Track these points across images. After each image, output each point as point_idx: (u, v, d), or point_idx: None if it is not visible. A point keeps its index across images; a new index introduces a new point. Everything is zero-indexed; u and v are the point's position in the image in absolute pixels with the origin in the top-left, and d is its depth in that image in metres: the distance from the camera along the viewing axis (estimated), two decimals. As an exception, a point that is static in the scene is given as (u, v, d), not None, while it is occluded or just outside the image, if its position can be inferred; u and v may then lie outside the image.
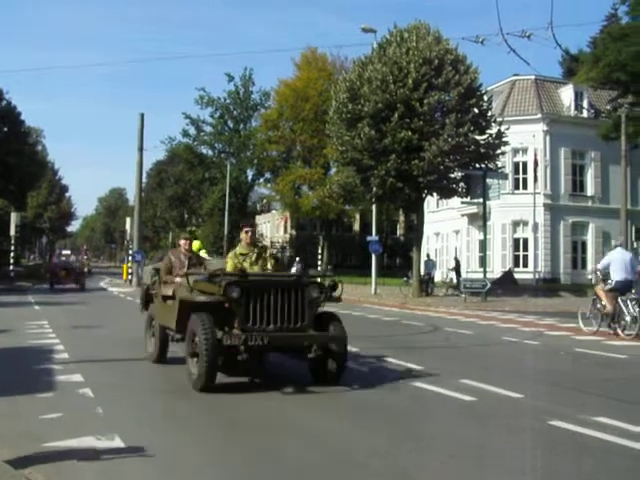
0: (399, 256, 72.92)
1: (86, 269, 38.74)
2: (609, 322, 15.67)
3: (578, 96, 44.27)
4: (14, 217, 40.68)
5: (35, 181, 76.34)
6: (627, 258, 16.12)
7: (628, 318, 15.20)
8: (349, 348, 11.81)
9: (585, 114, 44.40)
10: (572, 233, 43.02)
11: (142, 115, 42.46)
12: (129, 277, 43.03)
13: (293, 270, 43.99)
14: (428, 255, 36.48)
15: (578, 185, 43.66)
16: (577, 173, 43.71)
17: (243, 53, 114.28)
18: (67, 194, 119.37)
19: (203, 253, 24.00)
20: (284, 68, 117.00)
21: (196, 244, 24.72)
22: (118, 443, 6.01)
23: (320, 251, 42.73)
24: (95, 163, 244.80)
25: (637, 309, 14.98)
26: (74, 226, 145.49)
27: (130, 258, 43.64)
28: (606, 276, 16.29)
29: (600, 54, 37.52)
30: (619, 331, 15.37)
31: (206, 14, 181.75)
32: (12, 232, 40.25)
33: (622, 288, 15.58)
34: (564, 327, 17.95)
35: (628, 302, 15.22)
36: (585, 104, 44.46)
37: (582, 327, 16.53)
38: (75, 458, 5.56)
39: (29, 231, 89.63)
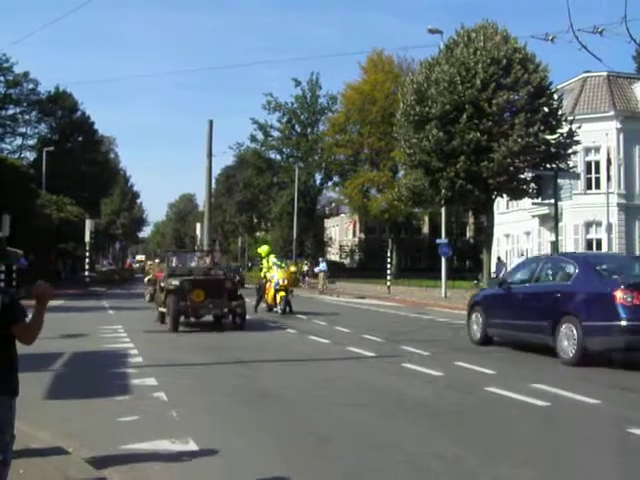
0: (469, 258, 72.10)
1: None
2: None
3: (654, 92, 42.94)
4: (88, 224, 41.57)
5: (108, 188, 78.61)
6: None
7: None
8: (420, 352, 11.77)
9: (661, 110, 43.06)
10: (648, 234, 41.76)
11: (211, 122, 42.98)
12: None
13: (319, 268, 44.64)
14: (499, 257, 35.95)
15: (654, 184, 42.34)
16: (653, 171, 42.39)
17: (309, 58, 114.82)
18: (138, 200, 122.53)
19: (272, 257, 24.36)
20: (350, 71, 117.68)
21: (265, 249, 25.08)
22: (192, 446, 6.11)
23: (389, 254, 42.48)
24: (165, 169, 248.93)
25: None
26: (145, 232, 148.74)
27: (201, 263, 43.96)
28: None
29: (677, 47, 36.40)
30: None
31: (271, 20, 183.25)
32: (87, 238, 41.11)
33: None
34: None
35: None
36: (661, 100, 43.12)
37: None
38: (150, 461, 5.68)
39: (102, 237, 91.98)
